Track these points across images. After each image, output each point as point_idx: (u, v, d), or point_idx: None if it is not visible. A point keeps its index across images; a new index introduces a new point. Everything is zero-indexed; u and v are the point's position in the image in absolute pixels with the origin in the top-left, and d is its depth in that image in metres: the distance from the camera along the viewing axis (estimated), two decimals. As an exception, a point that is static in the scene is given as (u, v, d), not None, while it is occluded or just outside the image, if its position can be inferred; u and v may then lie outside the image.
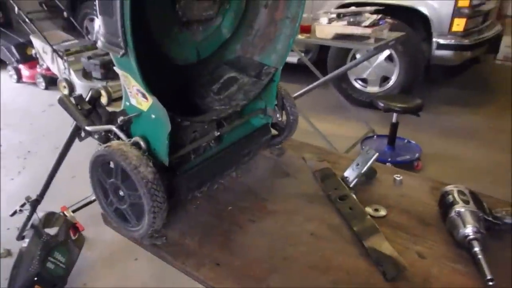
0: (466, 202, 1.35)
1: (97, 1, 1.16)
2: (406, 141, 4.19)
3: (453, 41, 4.84)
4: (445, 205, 1.40)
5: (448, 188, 1.44)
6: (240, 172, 1.77)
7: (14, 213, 2.65)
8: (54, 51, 5.73)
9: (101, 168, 1.40)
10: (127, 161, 1.25)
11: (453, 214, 1.32)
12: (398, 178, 1.67)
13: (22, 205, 2.60)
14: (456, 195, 1.39)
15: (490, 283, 1.15)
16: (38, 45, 6.02)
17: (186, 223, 1.48)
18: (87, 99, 1.53)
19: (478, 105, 5.36)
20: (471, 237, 1.26)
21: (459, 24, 4.74)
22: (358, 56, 5.12)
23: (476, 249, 1.23)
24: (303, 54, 4.89)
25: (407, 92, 5.01)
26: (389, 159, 3.89)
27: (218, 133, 1.62)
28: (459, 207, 1.33)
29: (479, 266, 1.19)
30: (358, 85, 5.41)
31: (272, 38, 1.69)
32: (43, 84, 6.37)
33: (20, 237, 2.71)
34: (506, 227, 1.35)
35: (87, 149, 1.56)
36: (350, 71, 5.22)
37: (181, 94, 1.64)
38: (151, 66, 1.24)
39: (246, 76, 1.71)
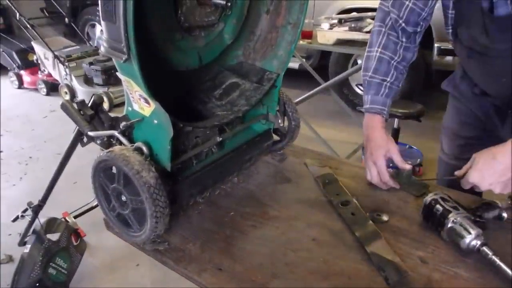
0: (456, 209, 1.34)
1: (99, 7, 1.17)
2: (407, 146, 4.19)
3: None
4: (434, 215, 1.38)
5: (430, 197, 1.42)
6: (242, 177, 1.77)
7: (16, 218, 2.66)
8: (56, 57, 5.75)
9: (103, 174, 1.40)
10: (129, 166, 1.26)
11: (451, 224, 1.31)
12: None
13: (24, 211, 2.61)
14: (443, 203, 1.38)
15: None
16: (40, 51, 6.03)
17: (188, 228, 1.48)
18: (89, 104, 1.54)
19: (479, 110, 5.33)
20: (480, 243, 1.25)
21: (460, 30, 4.73)
22: (359, 61, 5.13)
23: (490, 254, 1.23)
24: (304, 60, 4.90)
25: (408, 98, 5.00)
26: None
27: (220, 139, 1.62)
28: (455, 216, 1.32)
29: (500, 269, 1.20)
30: (359, 90, 5.41)
31: (274, 44, 1.70)
32: (45, 90, 6.39)
33: (22, 243, 2.71)
34: (485, 223, 1.37)
35: (89, 154, 1.57)
36: (351, 77, 5.23)
37: (183, 99, 1.65)
38: (153, 72, 1.24)
39: (248, 82, 1.71)
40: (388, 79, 1.69)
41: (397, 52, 1.69)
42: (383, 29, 1.70)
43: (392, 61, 1.69)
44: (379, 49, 1.70)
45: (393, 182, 1.64)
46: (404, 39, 1.69)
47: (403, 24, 1.65)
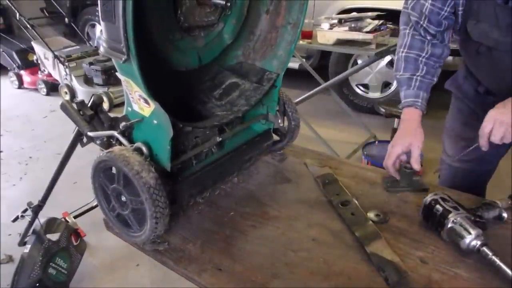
0: (456, 209, 1.34)
1: (99, 7, 1.17)
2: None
3: (453, 46, 4.83)
4: (434, 215, 1.39)
5: (430, 197, 1.42)
6: (242, 177, 1.77)
7: (16, 218, 2.65)
8: (56, 57, 5.74)
9: (103, 174, 1.40)
10: (129, 166, 1.26)
11: (451, 224, 1.31)
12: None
13: (24, 211, 2.60)
14: (443, 203, 1.38)
15: None
16: (40, 51, 6.02)
17: (188, 228, 1.48)
18: (89, 104, 1.53)
19: (479, 110, 5.32)
20: (480, 243, 1.25)
21: (460, 29, 4.73)
22: (359, 61, 5.12)
23: (490, 254, 1.23)
24: (304, 60, 4.89)
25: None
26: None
27: (220, 139, 1.62)
28: (455, 216, 1.32)
29: (500, 269, 1.20)
30: (359, 90, 5.40)
31: (274, 44, 1.70)
32: (45, 90, 6.37)
33: (22, 243, 2.71)
34: (486, 223, 1.37)
35: (89, 155, 1.57)
36: (351, 77, 5.22)
37: (182, 99, 1.65)
38: (152, 72, 1.24)
39: (248, 82, 1.71)
40: (418, 73, 1.71)
41: (424, 49, 1.71)
42: (407, 31, 1.73)
43: (420, 58, 1.71)
44: (405, 50, 1.73)
45: (392, 170, 1.67)
46: (429, 38, 1.70)
47: (425, 25, 1.66)
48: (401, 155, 1.67)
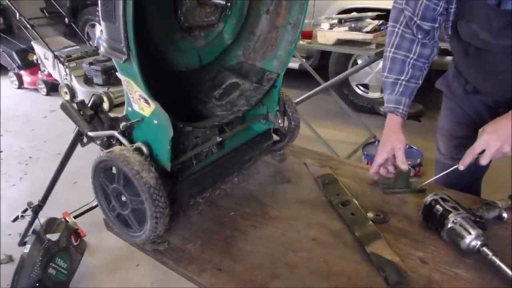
0: (456, 209, 1.34)
1: (99, 7, 1.17)
2: (407, 146, 4.15)
3: (451, 46, 4.82)
4: (434, 215, 1.38)
5: (430, 198, 1.42)
6: (242, 177, 1.77)
7: (16, 218, 2.65)
8: (56, 57, 5.73)
9: (103, 174, 1.40)
10: (129, 166, 1.26)
11: (451, 224, 1.31)
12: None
13: (24, 211, 2.60)
14: (443, 203, 1.38)
15: None
16: (40, 51, 6.02)
17: (188, 228, 1.48)
18: (89, 104, 1.54)
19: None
20: (480, 243, 1.25)
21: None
22: (359, 61, 5.12)
23: (490, 254, 1.23)
24: (304, 60, 4.89)
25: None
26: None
27: (220, 139, 1.62)
28: (455, 216, 1.32)
29: (500, 269, 1.20)
30: (359, 90, 5.40)
31: (274, 44, 1.70)
32: (45, 90, 6.37)
33: (22, 243, 2.71)
34: (486, 223, 1.37)
35: (89, 155, 1.57)
36: (351, 77, 5.22)
37: (183, 99, 1.65)
38: (153, 72, 1.24)
39: (248, 82, 1.71)
40: (403, 77, 1.70)
41: (413, 50, 1.69)
42: (396, 29, 1.70)
43: (408, 59, 1.69)
44: (392, 49, 1.71)
45: (374, 175, 1.71)
46: (420, 36, 1.67)
47: (419, 21, 1.63)
48: (383, 164, 1.69)
